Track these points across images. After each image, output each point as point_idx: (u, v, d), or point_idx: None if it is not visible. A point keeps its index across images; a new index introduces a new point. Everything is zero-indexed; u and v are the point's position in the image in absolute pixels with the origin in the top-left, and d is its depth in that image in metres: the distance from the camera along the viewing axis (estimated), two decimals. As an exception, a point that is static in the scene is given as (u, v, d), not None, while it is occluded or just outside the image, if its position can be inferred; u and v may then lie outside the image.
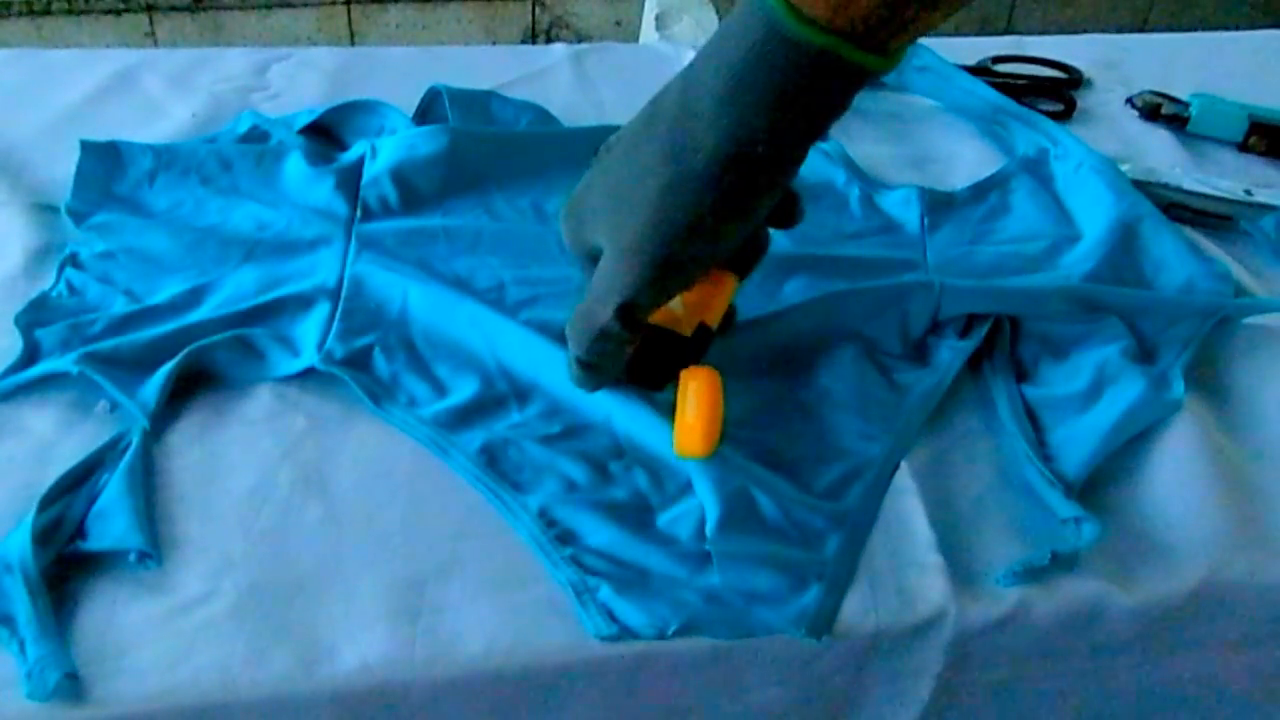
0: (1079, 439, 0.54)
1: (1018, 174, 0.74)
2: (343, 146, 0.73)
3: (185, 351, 0.54)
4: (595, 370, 0.50)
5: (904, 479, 0.53)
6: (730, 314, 0.53)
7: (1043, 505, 0.51)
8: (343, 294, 0.60)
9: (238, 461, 0.51)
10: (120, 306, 0.58)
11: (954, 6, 0.43)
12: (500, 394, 0.55)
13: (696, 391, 0.49)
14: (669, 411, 0.53)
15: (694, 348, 0.51)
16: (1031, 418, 0.56)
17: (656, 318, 0.50)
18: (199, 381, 0.55)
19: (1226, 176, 0.74)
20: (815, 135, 0.46)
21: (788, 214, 0.50)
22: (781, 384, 0.57)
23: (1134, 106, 0.83)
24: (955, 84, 0.82)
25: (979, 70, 0.86)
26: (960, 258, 0.66)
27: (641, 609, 0.46)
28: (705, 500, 0.49)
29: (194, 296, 0.59)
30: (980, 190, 0.72)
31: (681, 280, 0.48)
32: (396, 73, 0.81)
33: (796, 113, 0.44)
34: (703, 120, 0.44)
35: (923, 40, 0.84)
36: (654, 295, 0.47)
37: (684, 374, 0.50)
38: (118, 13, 1.77)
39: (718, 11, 1.71)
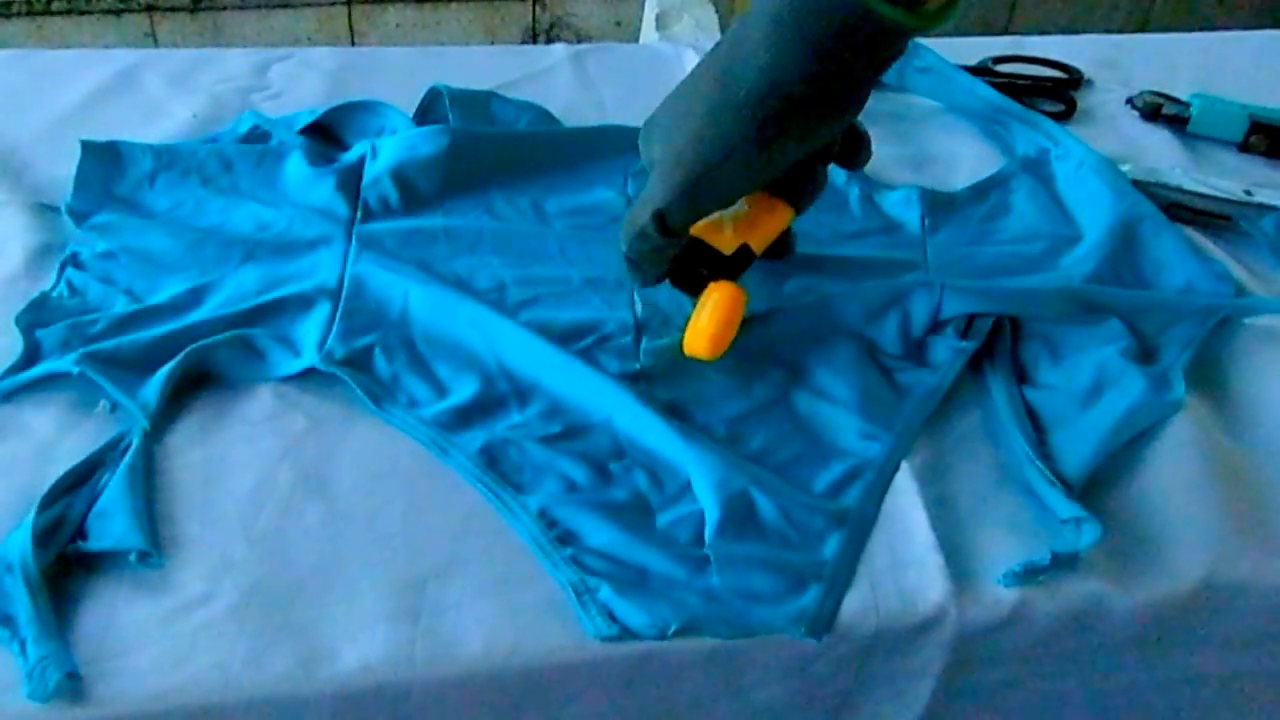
0: (1079, 439, 0.54)
1: (1018, 174, 0.74)
2: (343, 147, 0.73)
3: (186, 351, 0.54)
4: (636, 267, 0.56)
5: (904, 479, 0.53)
6: (785, 243, 0.59)
7: (1043, 505, 0.51)
8: (343, 294, 0.60)
9: (238, 462, 0.51)
10: (121, 306, 0.58)
11: None
12: (500, 394, 0.55)
13: (716, 300, 0.53)
14: (669, 412, 0.53)
15: (732, 265, 0.55)
16: (1032, 418, 0.56)
17: (703, 232, 0.54)
18: (199, 382, 0.55)
19: (1227, 177, 0.74)
20: (855, 86, 0.50)
21: (853, 154, 0.55)
22: (782, 384, 0.57)
23: (1134, 107, 0.83)
24: (956, 84, 0.82)
25: (979, 70, 0.86)
26: (961, 258, 0.66)
27: (642, 609, 0.46)
28: (704, 503, 0.49)
29: (194, 296, 0.59)
30: (981, 190, 0.72)
31: (714, 198, 0.52)
32: (397, 73, 0.81)
33: (831, 60, 0.48)
34: (747, 56, 0.49)
35: (923, 40, 0.84)
36: (687, 207, 0.52)
37: (712, 285, 0.54)
38: (118, 13, 1.77)
39: (718, 11, 1.71)
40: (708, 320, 0.54)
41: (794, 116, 0.49)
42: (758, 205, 0.55)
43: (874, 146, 0.72)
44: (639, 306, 0.61)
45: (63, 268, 0.60)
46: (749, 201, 0.56)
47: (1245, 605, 0.50)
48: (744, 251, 0.55)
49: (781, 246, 0.59)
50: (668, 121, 0.53)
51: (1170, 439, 0.55)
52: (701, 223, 0.54)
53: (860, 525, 0.51)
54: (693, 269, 0.55)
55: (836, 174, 0.71)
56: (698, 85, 0.52)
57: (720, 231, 0.54)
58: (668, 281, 0.57)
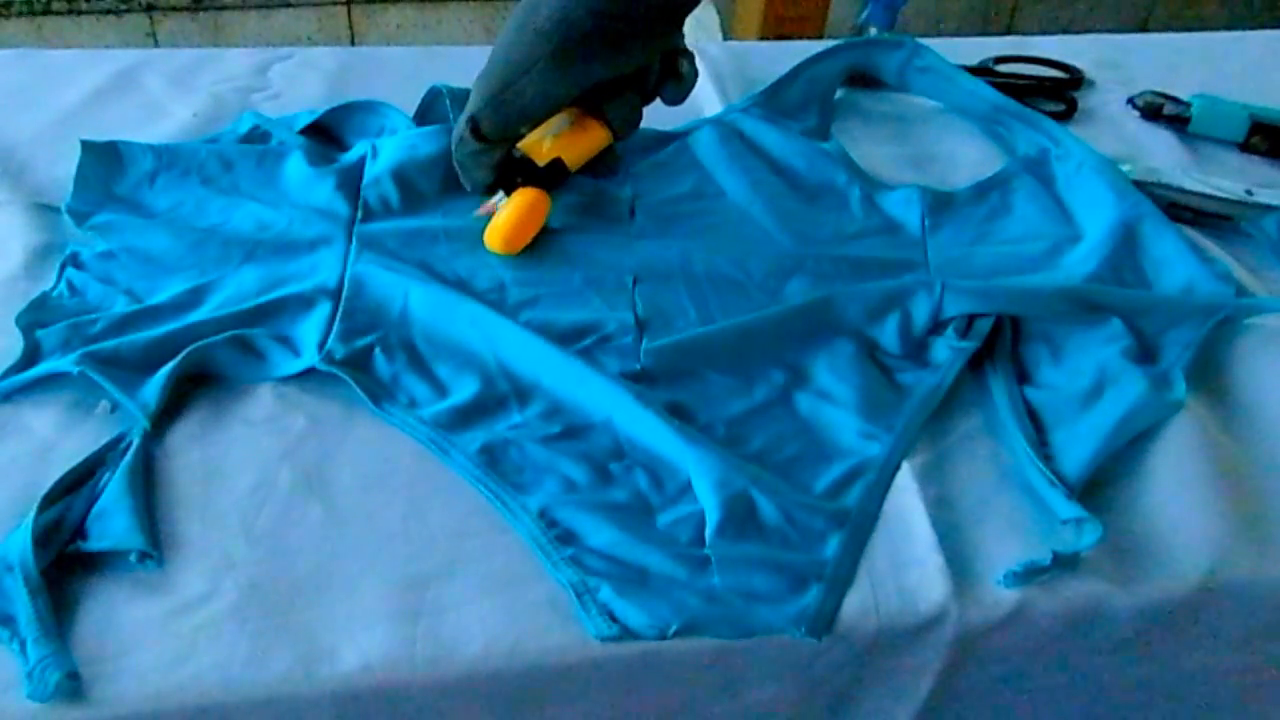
0: (1080, 439, 0.54)
1: (1019, 174, 0.73)
2: (343, 147, 0.73)
3: (186, 352, 0.54)
4: (463, 170, 0.64)
5: (905, 479, 0.53)
6: (608, 164, 0.67)
7: (1044, 506, 0.51)
8: (343, 294, 0.60)
9: (238, 462, 0.51)
10: (121, 306, 0.58)
11: None
12: (501, 394, 0.55)
13: (518, 202, 0.62)
14: (669, 412, 0.53)
15: (545, 176, 0.63)
16: (1032, 418, 0.56)
17: (525, 146, 0.63)
18: (200, 382, 0.55)
19: (1228, 177, 0.74)
20: (639, 21, 0.58)
21: (661, 85, 0.64)
22: (782, 384, 0.57)
23: (1135, 107, 0.83)
24: (956, 84, 0.82)
25: (980, 70, 0.86)
26: (961, 258, 0.66)
27: (642, 609, 0.46)
28: (705, 503, 0.49)
29: (195, 296, 0.59)
30: (981, 190, 0.72)
31: (518, 108, 0.60)
32: (397, 73, 0.81)
33: (608, 6, 0.56)
34: None
35: (924, 40, 0.84)
36: (494, 115, 0.60)
37: (519, 189, 0.62)
38: (118, 13, 1.77)
39: (718, 11, 1.71)
40: (505, 218, 0.62)
41: (586, 43, 0.57)
42: (576, 126, 0.63)
43: (875, 146, 0.73)
44: (640, 306, 0.61)
45: (63, 268, 0.60)
46: (571, 121, 0.63)
47: (1245, 605, 0.50)
48: (557, 165, 0.63)
49: (604, 168, 0.67)
50: (494, 46, 0.61)
51: (1171, 439, 0.55)
52: (527, 139, 0.63)
53: (861, 525, 0.51)
54: (512, 178, 0.63)
55: (837, 174, 0.72)
56: (513, 13, 0.59)
57: (539, 146, 0.63)
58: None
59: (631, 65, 0.61)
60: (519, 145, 0.63)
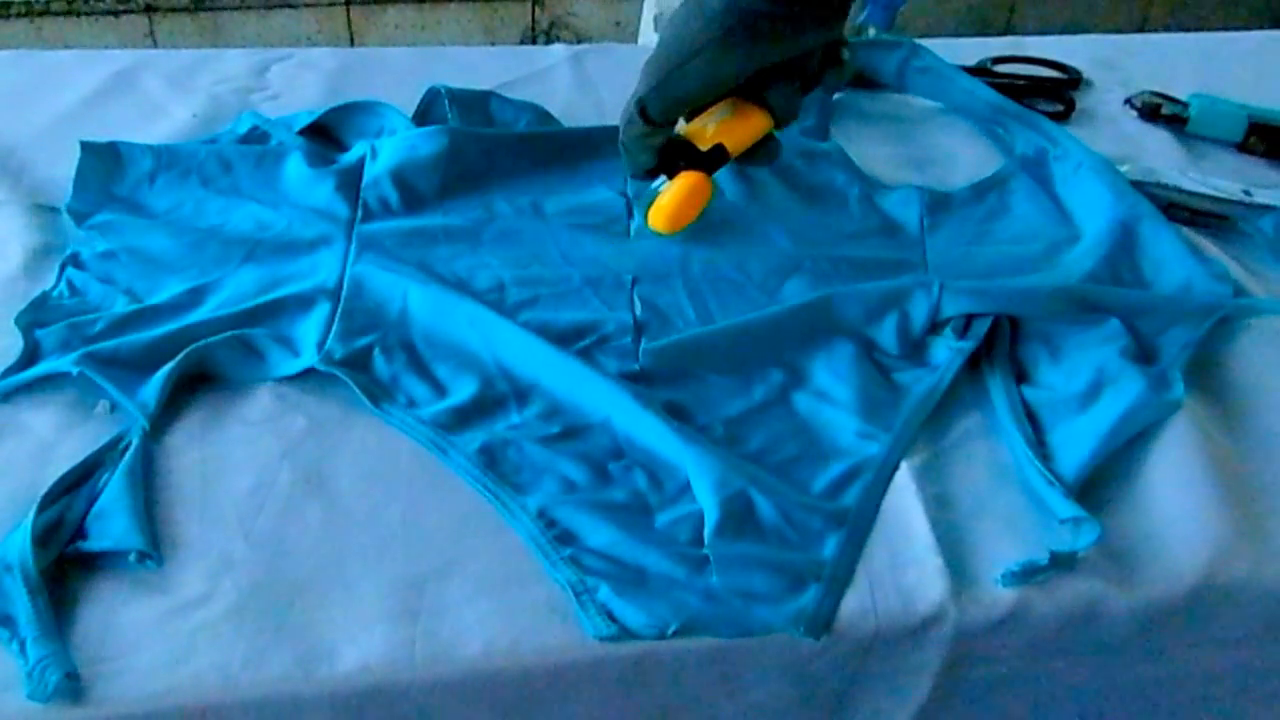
0: (1078, 439, 0.54)
1: (1017, 174, 0.74)
2: (343, 147, 0.73)
3: (185, 352, 0.54)
4: (627, 153, 0.63)
5: (903, 479, 0.53)
6: (768, 153, 0.65)
7: (1042, 505, 0.51)
8: (343, 294, 0.60)
9: (237, 462, 0.51)
10: (121, 307, 0.58)
11: None
12: (500, 395, 0.55)
13: (681, 183, 0.62)
14: (668, 412, 0.53)
15: (707, 160, 0.62)
16: (1031, 418, 0.56)
17: (688, 132, 0.63)
18: (199, 382, 0.55)
19: (1225, 177, 0.74)
20: (807, 11, 0.58)
21: (822, 73, 0.63)
22: (781, 384, 0.57)
23: (1133, 107, 0.83)
24: (955, 84, 0.82)
25: (979, 71, 0.86)
26: (960, 258, 0.66)
27: (641, 609, 0.46)
28: (703, 503, 0.49)
29: (194, 296, 0.59)
30: (980, 190, 0.72)
31: (685, 91, 0.60)
32: (396, 73, 0.81)
33: None
34: None
35: (922, 41, 0.84)
36: (662, 98, 0.59)
37: (683, 172, 0.62)
38: (117, 13, 1.77)
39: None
40: (669, 198, 0.62)
41: (754, 27, 0.57)
42: (739, 112, 0.63)
43: (874, 146, 0.73)
44: (638, 307, 0.61)
45: (63, 268, 0.60)
46: (733, 109, 0.63)
47: (1243, 604, 0.50)
48: (719, 150, 0.62)
49: (764, 155, 0.66)
50: (662, 30, 0.61)
51: (1169, 439, 0.55)
52: (690, 125, 0.63)
53: (859, 525, 0.51)
54: (674, 161, 0.63)
55: (836, 174, 0.72)
56: (683, 2, 0.60)
57: (703, 132, 0.62)
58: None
59: (796, 51, 0.61)
60: (682, 130, 0.63)
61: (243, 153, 0.69)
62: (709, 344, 0.58)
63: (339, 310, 0.59)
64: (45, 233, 0.63)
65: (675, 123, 0.62)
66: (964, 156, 0.77)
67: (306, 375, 0.56)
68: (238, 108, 0.76)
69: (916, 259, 0.66)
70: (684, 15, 0.59)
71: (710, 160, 0.62)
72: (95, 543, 0.46)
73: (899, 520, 0.51)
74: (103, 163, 0.67)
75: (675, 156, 0.63)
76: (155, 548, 0.47)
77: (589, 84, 0.84)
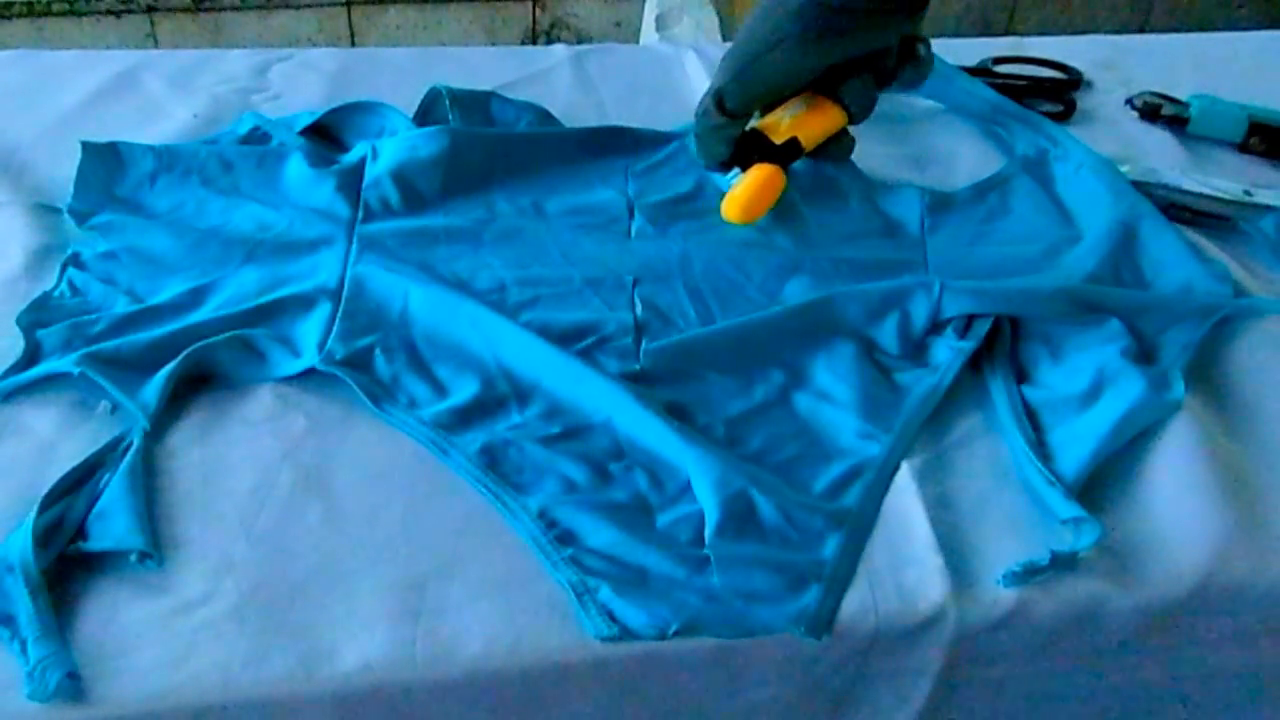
0: (1079, 439, 0.54)
1: (1018, 174, 0.74)
2: (344, 148, 0.73)
3: (186, 352, 0.54)
4: (700, 143, 0.64)
5: (904, 479, 0.53)
6: (841, 148, 0.66)
7: (1043, 505, 0.51)
8: (344, 295, 0.60)
9: (238, 462, 0.51)
10: (122, 307, 0.58)
11: None
12: (500, 395, 0.55)
13: (755, 175, 0.63)
14: (668, 413, 0.53)
15: (781, 154, 0.63)
16: (1031, 418, 0.56)
17: (763, 125, 0.64)
18: (200, 382, 0.55)
19: (1226, 177, 0.74)
20: (887, 5, 0.59)
21: (900, 67, 0.64)
22: (781, 384, 0.57)
23: (1134, 107, 0.83)
24: (955, 85, 0.82)
25: (979, 71, 0.86)
26: (960, 258, 0.66)
27: (642, 609, 0.46)
28: (704, 503, 0.49)
29: (195, 297, 0.59)
30: (980, 191, 0.72)
31: (763, 82, 0.61)
32: (397, 74, 0.81)
33: None
34: None
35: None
36: (738, 89, 0.61)
37: (756, 164, 0.63)
38: (118, 14, 1.77)
39: (718, 12, 1.71)
40: (743, 189, 0.63)
41: (833, 20, 0.58)
42: (814, 107, 0.63)
43: (874, 146, 0.73)
44: (639, 307, 0.61)
45: (64, 268, 0.61)
46: (807, 104, 0.63)
47: (1244, 605, 0.50)
48: (793, 144, 0.63)
49: (838, 151, 0.66)
50: (743, 22, 0.62)
51: (1170, 439, 0.55)
52: (764, 118, 0.64)
53: (860, 525, 0.51)
54: (749, 154, 0.63)
55: (837, 174, 0.72)
56: None
57: (777, 125, 0.63)
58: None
59: (874, 45, 0.62)
60: (756, 123, 0.64)
61: (244, 153, 0.69)
62: (710, 344, 0.58)
63: (340, 310, 0.59)
64: (46, 233, 0.63)
65: (751, 115, 0.63)
66: (964, 156, 0.77)
67: (307, 375, 0.56)
68: (239, 108, 0.76)
69: (917, 259, 0.66)
70: (766, 8, 0.60)
71: (785, 154, 0.63)
72: (96, 543, 0.46)
73: (900, 520, 0.51)
74: (104, 163, 0.67)
75: (750, 149, 0.63)
76: (156, 548, 0.47)
77: (590, 84, 0.84)
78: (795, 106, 0.64)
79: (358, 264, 0.62)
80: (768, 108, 0.64)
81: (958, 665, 0.49)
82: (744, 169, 0.64)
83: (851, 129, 0.66)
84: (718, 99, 0.61)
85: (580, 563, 0.47)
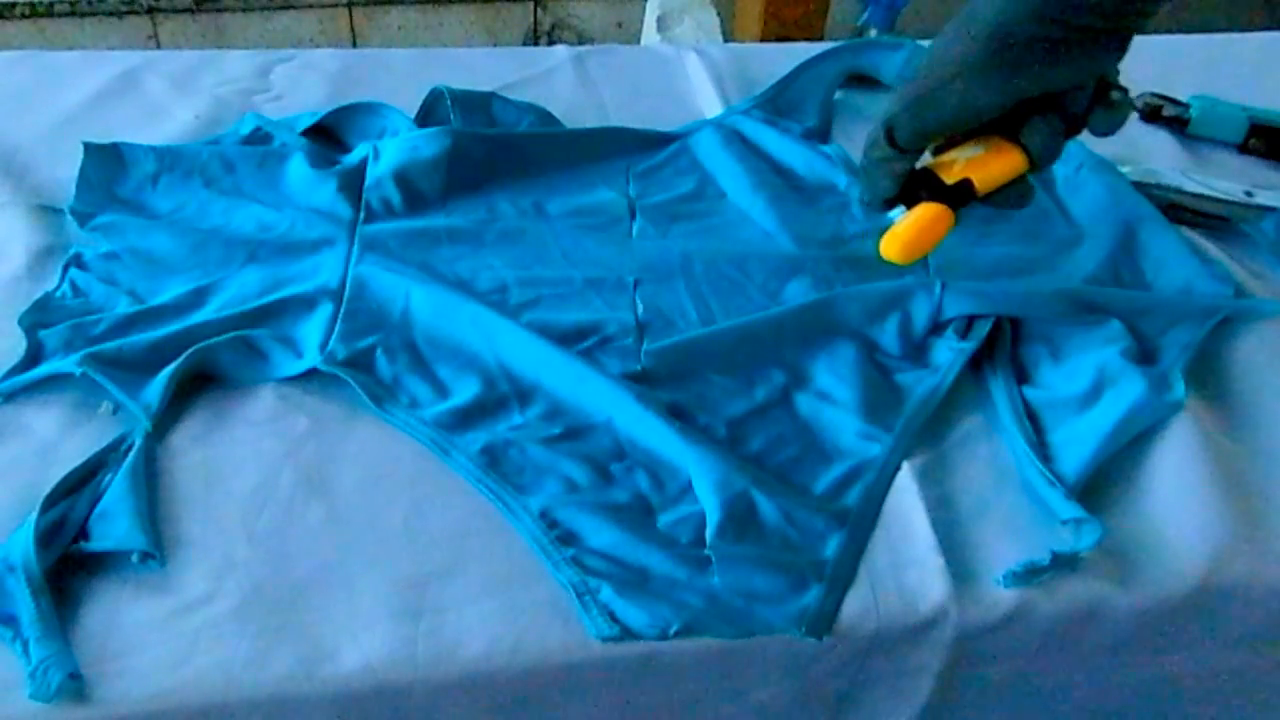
0: (1079, 440, 0.54)
1: (1018, 175, 0.73)
2: (345, 148, 0.73)
3: (188, 352, 0.54)
4: (865, 176, 0.59)
5: (904, 479, 0.53)
6: (1020, 196, 0.59)
7: (1043, 506, 0.51)
8: (345, 295, 0.60)
9: (240, 462, 0.52)
10: (124, 307, 0.58)
11: None
12: (502, 395, 0.55)
13: (921, 212, 0.57)
14: (670, 413, 0.53)
15: (952, 194, 0.57)
16: (1032, 419, 0.56)
17: (935, 165, 0.58)
18: (202, 382, 0.55)
19: (1227, 178, 0.74)
20: (1082, 34, 0.53)
21: (1091, 112, 0.57)
22: (783, 385, 0.57)
23: (1134, 108, 0.83)
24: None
25: (980, 72, 0.86)
26: (961, 259, 0.66)
27: (643, 610, 0.46)
28: (705, 503, 0.50)
29: (197, 297, 0.59)
30: (981, 191, 0.72)
31: (938, 116, 0.55)
32: (399, 74, 0.81)
33: (1056, 5, 0.52)
34: (985, 1, 0.54)
35: (923, 42, 0.84)
36: (911, 120, 0.56)
37: (924, 202, 0.57)
38: (120, 15, 1.77)
39: (719, 13, 1.71)
40: (906, 226, 0.57)
41: (1019, 53, 0.53)
42: (992, 149, 0.58)
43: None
44: (640, 308, 0.61)
45: (66, 268, 0.61)
46: (985, 146, 0.58)
47: (1244, 605, 0.50)
48: (965, 185, 0.57)
49: (1016, 199, 0.60)
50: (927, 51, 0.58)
51: (1170, 440, 0.55)
52: (938, 158, 0.58)
53: (860, 525, 0.51)
54: (915, 192, 0.58)
55: (838, 176, 0.72)
56: (948, 26, 0.56)
57: (950, 165, 0.58)
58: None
59: (1061, 84, 0.55)
60: (928, 162, 0.59)
61: (245, 154, 0.69)
62: (711, 345, 0.59)
63: (341, 311, 0.59)
64: (48, 234, 0.63)
65: (922, 151, 0.58)
66: (965, 157, 0.77)
67: (309, 376, 0.56)
68: (240, 109, 0.76)
69: (918, 260, 0.66)
70: (948, 37, 0.55)
71: (955, 195, 0.57)
72: (98, 543, 0.46)
73: (900, 521, 0.51)
74: (105, 164, 0.67)
75: (917, 186, 0.58)
76: (158, 548, 0.47)
77: (591, 85, 0.84)
78: (973, 148, 0.58)
79: (359, 264, 0.62)
80: (941, 145, 0.58)
81: (958, 665, 0.49)
82: (909, 208, 0.58)
83: (851, 135, 0.63)
84: (888, 130, 0.56)
85: (581, 563, 0.48)
